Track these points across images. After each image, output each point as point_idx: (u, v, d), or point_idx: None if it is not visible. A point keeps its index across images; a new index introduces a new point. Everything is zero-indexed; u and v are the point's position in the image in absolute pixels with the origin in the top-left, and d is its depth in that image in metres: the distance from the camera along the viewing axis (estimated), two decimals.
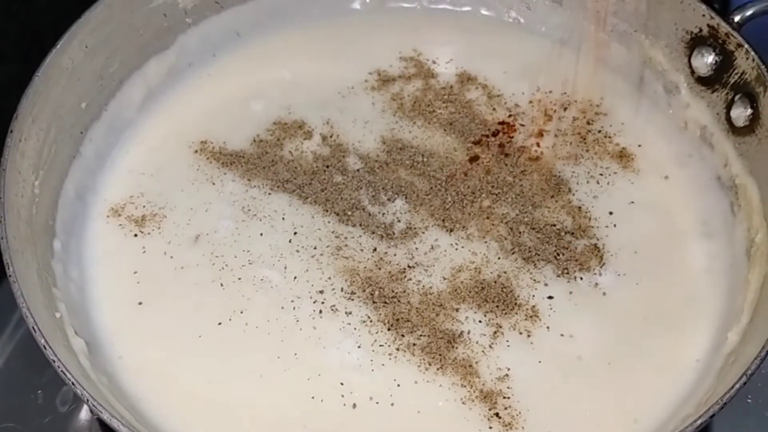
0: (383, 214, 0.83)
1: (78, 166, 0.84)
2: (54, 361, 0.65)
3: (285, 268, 0.79)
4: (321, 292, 0.78)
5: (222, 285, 0.79)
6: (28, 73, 0.78)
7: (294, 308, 0.77)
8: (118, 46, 0.86)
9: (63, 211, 0.81)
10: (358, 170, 0.85)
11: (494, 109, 0.90)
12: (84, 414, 0.81)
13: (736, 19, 0.81)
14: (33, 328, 0.67)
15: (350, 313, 0.77)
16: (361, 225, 0.82)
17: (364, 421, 0.72)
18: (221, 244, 0.81)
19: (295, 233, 0.82)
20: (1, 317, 0.85)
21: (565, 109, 0.90)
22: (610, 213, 0.83)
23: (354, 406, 0.73)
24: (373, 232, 0.81)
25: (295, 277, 0.79)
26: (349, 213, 0.83)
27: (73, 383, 0.65)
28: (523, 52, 0.94)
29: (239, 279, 0.79)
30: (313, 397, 0.73)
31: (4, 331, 0.85)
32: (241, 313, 0.77)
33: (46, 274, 0.75)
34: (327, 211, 0.83)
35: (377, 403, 0.73)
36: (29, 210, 0.76)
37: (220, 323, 0.77)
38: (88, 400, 0.64)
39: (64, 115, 0.82)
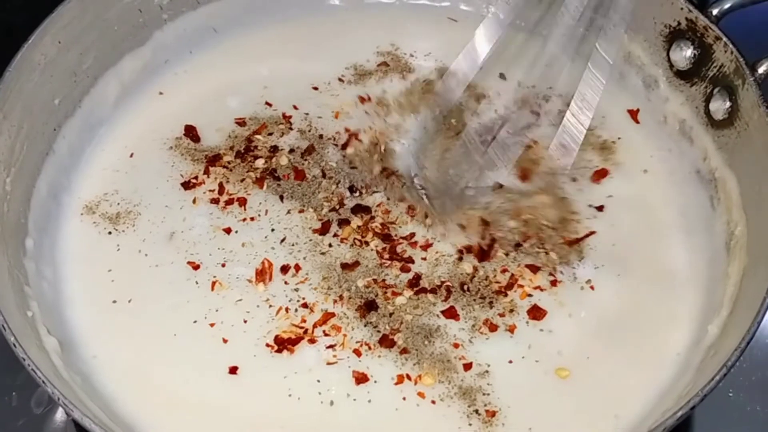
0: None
1: (51, 164, 0.83)
2: (24, 360, 0.64)
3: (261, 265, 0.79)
4: (296, 290, 0.77)
5: (197, 283, 0.78)
6: (1, 71, 0.77)
7: (269, 306, 0.76)
8: (92, 42, 0.85)
9: (36, 208, 0.80)
10: (336, 164, 0.85)
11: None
12: (59, 416, 0.79)
13: (714, 12, 0.81)
14: (2, 326, 0.65)
15: (326, 309, 0.76)
16: (338, 220, 0.81)
17: (342, 419, 0.71)
18: (196, 242, 0.80)
19: (272, 230, 0.81)
20: None
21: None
22: (590, 206, 0.83)
23: (331, 403, 0.72)
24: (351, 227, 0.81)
25: (270, 275, 0.78)
26: (327, 208, 0.82)
27: (44, 382, 0.64)
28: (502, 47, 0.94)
29: (214, 277, 0.78)
30: (290, 395, 0.72)
31: None
32: (216, 311, 0.76)
33: (18, 272, 0.74)
34: (304, 206, 0.82)
35: (354, 400, 0.72)
36: (0, 207, 0.75)
37: (195, 321, 0.76)
38: (59, 399, 0.63)
39: (36, 111, 0.81)
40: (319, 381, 0.72)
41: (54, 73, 0.82)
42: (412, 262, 0.79)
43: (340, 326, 0.75)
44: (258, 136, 0.87)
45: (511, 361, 0.74)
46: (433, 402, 0.72)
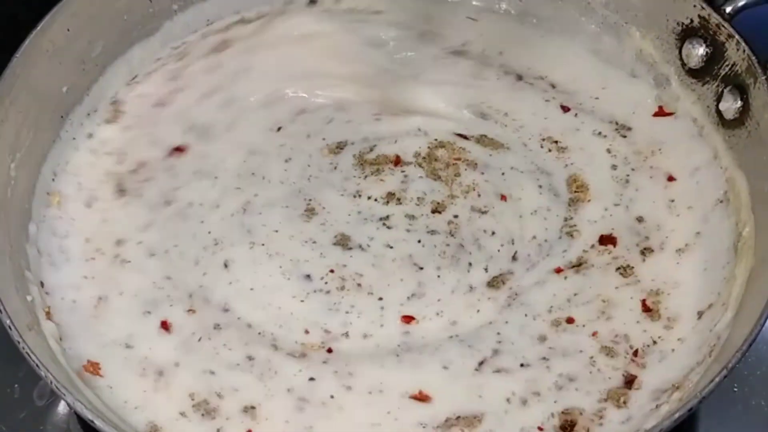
0: None
1: (58, 151, 0.83)
2: (18, 342, 0.64)
3: None
4: None
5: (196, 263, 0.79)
6: (6, 63, 0.77)
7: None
8: (101, 30, 0.85)
9: (40, 194, 0.80)
10: None
11: None
12: (62, 408, 0.79)
13: (728, 9, 0.80)
14: None
15: None
16: None
17: None
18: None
19: None
20: None
21: None
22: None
23: None
24: None
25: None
26: None
27: (37, 365, 0.64)
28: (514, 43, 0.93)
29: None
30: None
31: None
32: (208, 302, 0.77)
33: (19, 257, 0.74)
34: None
35: None
36: (4, 192, 0.75)
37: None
38: (51, 382, 0.63)
39: (43, 98, 0.81)
40: None
41: (62, 61, 0.82)
42: None
43: None
44: None
45: None
46: None
